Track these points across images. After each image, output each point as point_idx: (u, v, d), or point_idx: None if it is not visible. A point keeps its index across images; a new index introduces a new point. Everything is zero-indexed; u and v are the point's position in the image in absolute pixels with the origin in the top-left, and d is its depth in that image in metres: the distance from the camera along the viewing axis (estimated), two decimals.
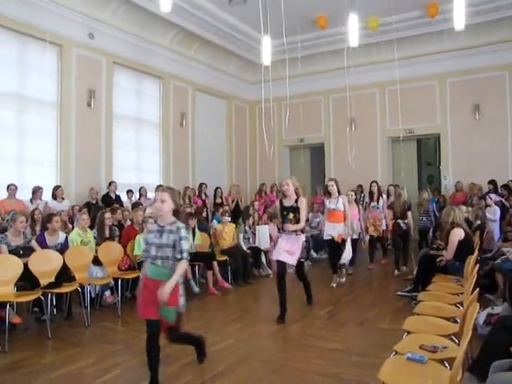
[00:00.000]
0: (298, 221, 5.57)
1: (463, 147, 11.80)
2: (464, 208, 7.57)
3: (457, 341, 3.15)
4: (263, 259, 8.51)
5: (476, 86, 11.53)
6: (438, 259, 5.71)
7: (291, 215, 5.55)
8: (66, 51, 9.16)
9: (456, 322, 3.56)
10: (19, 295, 4.99)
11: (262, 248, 8.38)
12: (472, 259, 4.78)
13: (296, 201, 5.61)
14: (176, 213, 3.57)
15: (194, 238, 7.35)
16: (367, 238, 8.98)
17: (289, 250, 5.52)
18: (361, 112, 12.65)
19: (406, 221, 8.35)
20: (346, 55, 10.38)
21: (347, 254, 7.23)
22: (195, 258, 6.87)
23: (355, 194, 8.78)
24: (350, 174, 12.06)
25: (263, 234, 8.47)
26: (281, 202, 5.75)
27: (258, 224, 8.90)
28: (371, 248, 8.97)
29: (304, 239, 5.75)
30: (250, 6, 10.24)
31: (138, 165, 10.96)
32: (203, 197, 10.86)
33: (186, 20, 10.74)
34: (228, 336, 4.82)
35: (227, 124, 14.06)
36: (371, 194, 9.02)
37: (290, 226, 5.50)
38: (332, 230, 7.10)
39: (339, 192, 7.24)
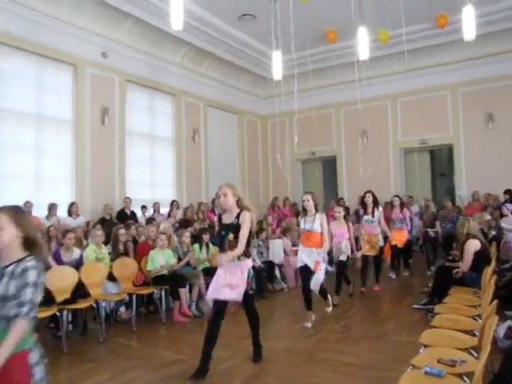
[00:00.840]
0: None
1: (477, 157, 11.69)
2: (488, 216, 7.68)
3: (476, 354, 3.09)
4: (277, 273, 8.47)
5: (488, 95, 11.47)
6: (454, 271, 5.63)
7: (231, 236, 4.16)
8: (80, 70, 9.36)
9: (474, 335, 3.50)
10: None
11: (275, 262, 8.36)
12: (489, 270, 4.71)
13: (238, 216, 4.21)
14: (29, 244, 2.40)
15: (207, 253, 7.37)
16: (358, 254, 7.73)
17: (229, 283, 4.17)
18: (372, 124, 12.65)
19: (434, 229, 9.30)
20: (357, 68, 10.42)
21: (315, 281, 5.73)
22: (209, 272, 6.87)
23: (344, 210, 7.45)
24: (363, 186, 11.91)
25: (277, 248, 8.45)
26: (219, 218, 4.43)
27: (271, 238, 8.89)
28: (364, 270, 7.73)
29: (250, 265, 4.30)
30: (259, 21, 10.38)
31: (151, 181, 11.06)
32: (216, 211, 10.88)
33: (197, 37, 10.92)
34: (242, 351, 4.78)
35: (239, 139, 14.16)
36: (364, 205, 7.85)
37: (224, 256, 4.08)
38: (307, 257, 5.75)
39: (317, 209, 5.94)
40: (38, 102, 8.79)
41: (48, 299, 5.25)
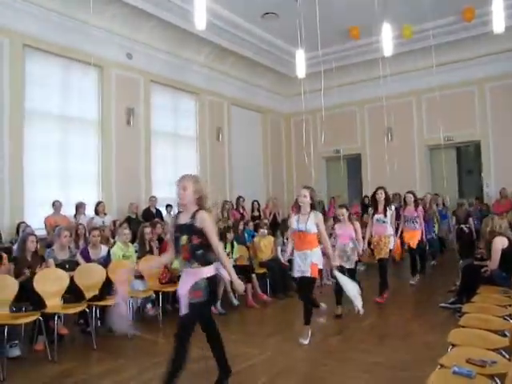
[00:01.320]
0: (197, 247, 3.41)
1: (506, 154, 11.43)
2: None
3: (507, 356, 3.03)
4: None
5: None
6: (482, 269, 5.53)
7: (184, 238, 3.42)
8: (105, 72, 9.52)
9: (505, 335, 3.43)
10: (66, 307, 5.17)
11: None
12: None
13: (194, 215, 3.46)
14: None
15: (232, 251, 7.42)
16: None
17: (179, 292, 3.54)
18: (397, 121, 12.49)
19: (467, 225, 9.32)
20: (381, 65, 10.32)
21: (351, 289, 5.17)
22: (235, 270, 6.91)
23: (347, 210, 6.47)
24: (388, 184, 11.78)
25: None
26: (176, 217, 3.65)
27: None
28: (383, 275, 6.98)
29: (208, 274, 3.44)
30: (282, 20, 10.38)
31: (176, 179, 11.15)
32: (241, 210, 10.95)
33: (220, 36, 10.98)
34: (267, 349, 4.80)
35: (263, 137, 14.17)
36: (375, 203, 7.09)
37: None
38: (302, 263, 4.93)
39: (313, 207, 5.04)
40: (64, 103, 8.99)
41: (77, 295, 5.39)
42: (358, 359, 4.46)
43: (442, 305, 6.17)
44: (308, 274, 4.86)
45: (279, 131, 14.90)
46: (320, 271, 5.32)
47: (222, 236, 7.57)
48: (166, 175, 10.87)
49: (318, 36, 8.57)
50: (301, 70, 8.93)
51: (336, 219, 6.79)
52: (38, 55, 8.53)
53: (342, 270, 5.77)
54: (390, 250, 6.91)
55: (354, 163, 13.99)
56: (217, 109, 12.34)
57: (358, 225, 6.44)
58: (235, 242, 7.60)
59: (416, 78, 12.28)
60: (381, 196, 7.00)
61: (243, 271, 7.22)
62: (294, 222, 5.05)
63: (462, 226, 9.44)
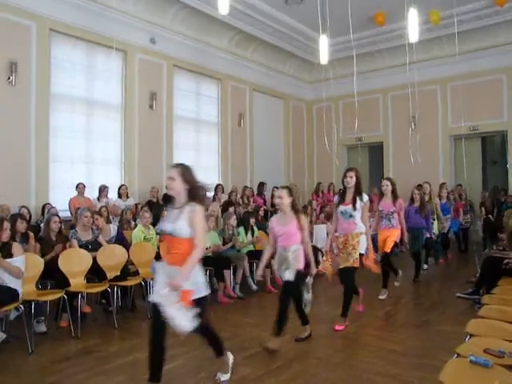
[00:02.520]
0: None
1: None
2: None
3: None
4: (320, 258, 8.46)
5: None
6: (504, 261, 5.45)
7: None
8: (129, 56, 9.58)
9: None
10: (89, 286, 5.33)
11: (319, 247, 8.36)
12: None
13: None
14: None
15: (252, 236, 7.49)
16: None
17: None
18: (421, 109, 12.25)
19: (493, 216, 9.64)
20: (406, 51, 10.12)
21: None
22: (254, 255, 7.00)
23: (290, 196, 4.62)
24: (410, 173, 11.75)
25: (321, 232, 8.46)
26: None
27: (315, 223, 8.90)
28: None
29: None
30: (306, 5, 10.25)
31: (197, 164, 11.23)
32: (263, 196, 11.04)
33: (243, 22, 10.91)
34: (285, 333, 4.85)
35: (284, 124, 14.13)
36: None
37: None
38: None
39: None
40: (88, 87, 9.10)
41: (100, 276, 5.54)
42: (374, 346, 4.48)
43: (459, 295, 6.09)
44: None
45: (301, 118, 14.81)
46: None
47: (243, 220, 7.66)
48: (188, 160, 10.84)
49: (339, 22, 8.42)
50: (324, 57, 8.83)
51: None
52: (64, 40, 8.64)
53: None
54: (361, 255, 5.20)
55: (376, 152, 13.85)
56: (239, 94, 12.34)
57: (303, 219, 4.65)
58: (255, 228, 7.67)
59: (442, 65, 12.01)
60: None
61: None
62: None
63: (490, 216, 9.57)
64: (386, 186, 6.46)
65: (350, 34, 10.21)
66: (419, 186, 11.36)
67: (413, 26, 8.00)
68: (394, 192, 6.48)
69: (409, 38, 8.22)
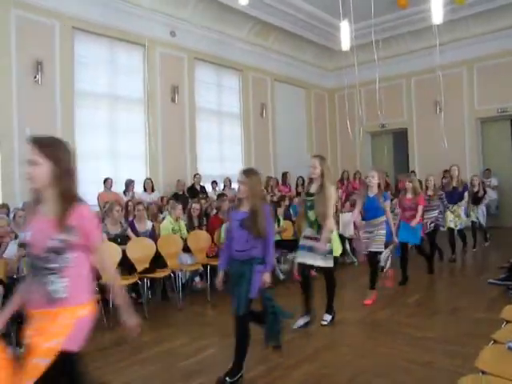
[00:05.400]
0: None
1: None
2: None
3: None
4: (347, 247, 8.42)
5: None
6: None
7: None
8: (150, 50, 9.64)
9: None
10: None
11: (345, 236, 8.31)
12: None
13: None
14: None
15: (278, 226, 7.49)
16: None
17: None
18: (446, 93, 11.99)
19: None
20: (430, 34, 9.90)
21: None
22: (280, 245, 7.01)
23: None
24: (436, 159, 11.56)
25: (346, 221, 8.38)
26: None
27: (340, 212, 8.83)
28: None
29: None
30: None
31: (220, 156, 11.32)
32: (287, 185, 11.05)
33: (263, 11, 10.85)
34: (314, 322, 4.86)
35: (307, 113, 14.04)
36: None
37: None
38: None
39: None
40: (111, 83, 9.22)
41: (129, 268, 5.63)
42: (406, 333, 4.45)
43: (491, 281, 5.97)
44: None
45: (323, 106, 14.69)
46: None
47: (273, 210, 7.69)
48: (211, 152, 11.02)
49: (369, 6, 8.31)
50: (345, 43, 8.72)
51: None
52: (86, 37, 8.75)
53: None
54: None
55: (401, 138, 13.64)
56: (260, 85, 12.30)
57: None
58: (280, 217, 7.68)
59: (467, 46, 11.69)
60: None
61: (289, 246, 7.30)
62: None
63: None
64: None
65: (371, 19, 10.04)
66: (446, 172, 11.20)
67: (437, 7, 7.82)
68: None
69: (433, 19, 8.05)
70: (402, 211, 6.84)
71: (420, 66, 12.19)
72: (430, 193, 7.60)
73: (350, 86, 11.80)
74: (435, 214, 7.39)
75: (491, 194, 11.49)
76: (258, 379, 3.54)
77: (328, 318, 4.83)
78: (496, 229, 10.98)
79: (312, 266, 4.78)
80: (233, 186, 10.30)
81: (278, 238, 7.39)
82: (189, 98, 10.37)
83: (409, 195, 6.71)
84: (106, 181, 8.40)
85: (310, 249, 4.58)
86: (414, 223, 6.42)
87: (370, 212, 5.58)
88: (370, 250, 5.56)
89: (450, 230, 8.06)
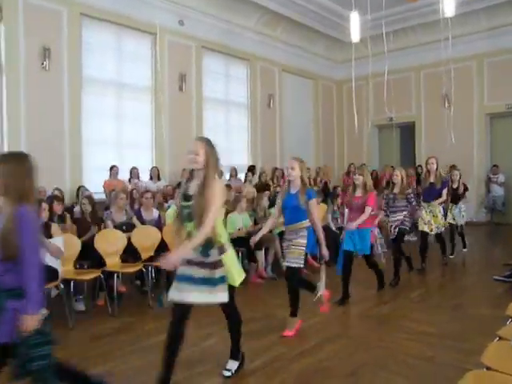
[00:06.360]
0: None
1: None
2: None
3: None
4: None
5: None
6: None
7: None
8: (158, 38, 9.59)
9: None
10: (124, 266, 5.45)
11: None
12: None
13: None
14: None
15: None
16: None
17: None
18: (456, 87, 11.88)
19: None
20: (440, 27, 9.77)
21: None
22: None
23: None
24: (444, 153, 11.45)
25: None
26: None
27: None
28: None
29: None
30: None
31: (227, 146, 11.27)
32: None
33: (272, 0, 10.74)
34: (317, 314, 4.86)
35: (314, 104, 13.96)
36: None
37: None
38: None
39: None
40: (119, 70, 9.20)
41: (134, 256, 5.66)
42: (406, 326, 4.45)
43: (496, 277, 5.93)
44: None
45: (331, 98, 14.60)
46: None
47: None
48: (218, 141, 10.90)
49: None
50: (355, 34, 8.62)
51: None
52: (94, 23, 8.72)
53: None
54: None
55: (408, 131, 13.55)
56: (268, 75, 12.23)
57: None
58: None
59: (478, 40, 11.57)
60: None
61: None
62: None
63: None
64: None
65: (381, 11, 9.93)
66: (453, 167, 11.12)
67: None
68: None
69: (444, 12, 7.94)
70: (349, 212, 5.74)
71: (429, 59, 12.08)
72: (454, 186, 7.53)
73: (358, 78, 11.70)
74: (401, 216, 6.18)
75: (498, 191, 11.44)
76: (258, 370, 3.55)
77: (233, 366, 3.46)
78: (502, 225, 10.95)
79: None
80: (238, 176, 10.30)
81: (282, 229, 7.37)
82: (196, 87, 10.33)
83: (358, 192, 5.45)
84: (111, 168, 8.42)
85: (192, 279, 3.10)
86: (353, 226, 5.29)
87: (289, 214, 4.38)
88: (286, 264, 4.36)
89: (424, 234, 6.91)
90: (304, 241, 4.23)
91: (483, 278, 6.41)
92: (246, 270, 6.55)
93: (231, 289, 3.24)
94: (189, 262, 3.10)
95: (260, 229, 6.96)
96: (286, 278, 4.38)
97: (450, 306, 5.20)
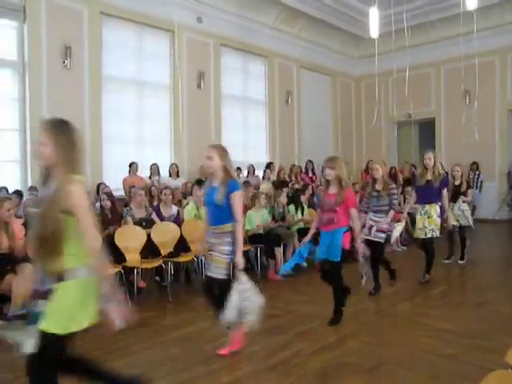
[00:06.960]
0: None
1: None
2: None
3: None
4: None
5: None
6: None
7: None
8: (177, 36, 9.64)
9: None
10: (144, 262, 5.51)
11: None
12: None
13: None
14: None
15: (302, 214, 7.47)
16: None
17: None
18: (477, 83, 11.67)
19: None
20: (461, 21, 9.60)
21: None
22: (304, 233, 6.98)
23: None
24: (464, 150, 11.33)
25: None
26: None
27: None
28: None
29: None
30: None
31: (245, 143, 11.31)
32: (310, 174, 10.97)
33: None
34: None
35: (332, 101, 13.89)
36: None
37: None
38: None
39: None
40: (138, 68, 9.29)
41: (154, 252, 5.72)
42: (427, 324, 4.40)
43: None
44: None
45: (349, 94, 14.50)
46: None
47: (294, 198, 7.67)
48: (236, 138, 11.02)
49: None
50: (374, 30, 8.53)
51: None
52: (114, 22, 8.81)
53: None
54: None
55: (428, 128, 13.37)
56: (286, 72, 12.20)
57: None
58: (305, 205, 7.66)
59: (501, 34, 11.33)
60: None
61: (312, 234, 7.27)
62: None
63: None
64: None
65: (400, 6, 9.80)
66: (473, 164, 10.96)
67: None
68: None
69: (466, 5, 7.81)
70: (321, 212, 4.63)
71: (450, 54, 11.89)
72: (456, 183, 7.09)
73: (377, 75, 11.60)
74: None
75: None
76: (278, 365, 3.56)
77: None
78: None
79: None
80: (256, 174, 10.31)
81: (301, 225, 7.39)
82: (214, 84, 10.37)
83: (332, 189, 4.47)
84: (131, 165, 8.51)
85: None
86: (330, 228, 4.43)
87: (212, 213, 3.75)
88: (208, 274, 3.80)
89: (420, 240, 6.05)
90: (229, 247, 3.62)
91: (505, 276, 6.30)
92: (264, 267, 6.64)
93: None
94: None
95: (279, 226, 7.04)
96: (204, 292, 3.90)
97: (472, 303, 5.13)
